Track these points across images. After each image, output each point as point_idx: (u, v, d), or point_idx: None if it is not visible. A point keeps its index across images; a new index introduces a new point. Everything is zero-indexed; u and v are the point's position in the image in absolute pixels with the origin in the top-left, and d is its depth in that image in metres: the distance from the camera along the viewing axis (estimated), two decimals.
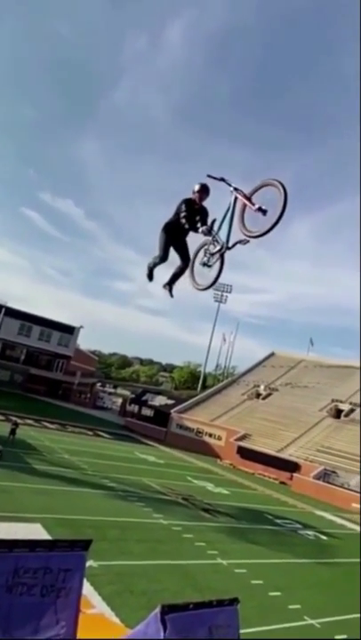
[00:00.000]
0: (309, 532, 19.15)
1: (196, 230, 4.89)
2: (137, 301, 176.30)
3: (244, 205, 4.32)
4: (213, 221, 4.79)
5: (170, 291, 5.29)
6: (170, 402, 47.89)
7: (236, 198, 4.46)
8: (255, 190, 4.27)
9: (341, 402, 40.13)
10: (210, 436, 39.82)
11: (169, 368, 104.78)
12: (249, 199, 4.26)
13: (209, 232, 4.78)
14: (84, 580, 2.96)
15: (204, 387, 60.81)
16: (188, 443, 39.68)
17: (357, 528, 22.96)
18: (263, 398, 45.16)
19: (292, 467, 32.50)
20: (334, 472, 30.83)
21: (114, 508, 15.02)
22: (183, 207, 4.89)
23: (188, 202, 4.93)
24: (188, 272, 5.20)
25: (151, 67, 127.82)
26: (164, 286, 5.24)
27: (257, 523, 18.69)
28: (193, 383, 72.89)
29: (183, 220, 4.86)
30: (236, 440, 37.37)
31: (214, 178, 4.55)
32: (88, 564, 3.23)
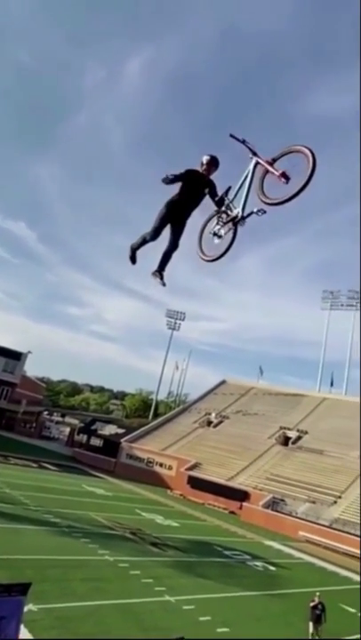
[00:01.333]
0: (258, 563, 19.08)
1: (196, 205, 4.60)
2: (89, 327, 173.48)
3: (265, 172, 4.02)
4: (228, 189, 4.48)
5: (161, 278, 4.82)
6: (120, 431, 46.81)
7: (256, 164, 4.16)
8: (279, 157, 3.98)
9: (289, 429, 41.05)
10: (160, 465, 39.16)
11: (120, 396, 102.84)
12: (271, 165, 3.97)
13: (222, 201, 4.49)
14: (22, 627, 2.81)
15: (156, 415, 60.14)
16: (139, 473, 38.74)
17: (304, 557, 23.17)
18: (214, 426, 45.28)
19: (241, 496, 32.51)
20: (283, 500, 31.16)
21: (57, 546, 14.26)
22: (188, 176, 4.49)
23: (194, 173, 4.56)
24: (198, 243, 4.83)
25: (110, 97, 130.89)
26: (154, 273, 4.80)
27: (206, 555, 18.40)
28: (145, 411, 71.90)
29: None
30: (187, 469, 36.99)
31: (236, 138, 4.22)
32: (27, 608, 3.08)
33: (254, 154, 4.17)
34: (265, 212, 4.13)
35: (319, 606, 12.84)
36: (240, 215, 4.28)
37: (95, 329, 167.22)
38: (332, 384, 50.11)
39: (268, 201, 3.99)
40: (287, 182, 3.79)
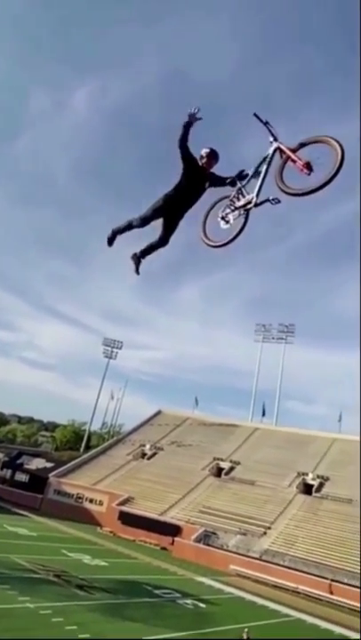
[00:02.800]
0: (188, 601, 18.65)
1: (194, 202, 4.36)
2: (20, 353, 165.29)
3: (286, 159, 3.80)
4: (241, 172, 4.23)
5: (137, 264, 4.59)
6: (49, 465, 44.39)
7: (275, 150, 3.93)
8: (302, 145, 3.75)
9: (223, 460, 41.36)
10: (91, 501, 37.47)
11: (51, 427, 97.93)
12: (294, 152, 3.75)
13: (235, 183, 4.23)
14: None
15: (88, 447, 57.92)
16: (67, 510, 36.73)
17: (234, 591, 23.01)
18: (148, 458, 44.47)
19: (173, 530, 31.86)
20: (214, 533, 30.98)
21: None
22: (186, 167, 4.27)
23: (195, 165, 4.31)
24: (202, 227, 4.55)
25: (55, 124, 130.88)
26: (133, 257, 4.57)
27: (135, 596, 17.68)
28: (76, 443, 68.93)
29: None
30: (118, 505, 35.71)
31: (259, 119, 3.95)
32: None
33: (275, 138, 3.93)
34: (279, 201, 3.88)
35: None
36: (255, 201, 4.01)
37: (27, 355, 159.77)
38: (263, 414, 51.52)
39: (287, 190, 3.73)
40: (309, 174, 3.59)
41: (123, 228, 4.61)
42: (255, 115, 3.95)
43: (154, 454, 44.89)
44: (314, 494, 34.77)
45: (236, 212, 4.21)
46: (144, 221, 4.47)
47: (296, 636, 17.22)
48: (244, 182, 4.20)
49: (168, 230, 4.54)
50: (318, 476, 36.45)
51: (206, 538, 30.64)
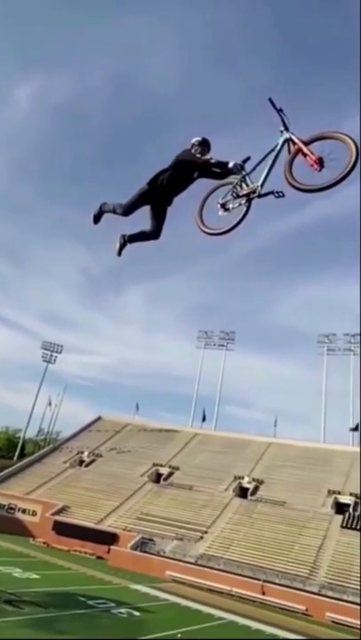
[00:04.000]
0: (123, 610, 18.38)
1: (182, 190, 4.18)
2: None
3: (298, 151, 3.67)
4: (247, 159, 4.04)
5: (121, 247, 4.37)
6: None
7: (286, 141, 3.79)
8: (314, 140, 3.62)
9: (162, 465, 41.40)
10: (23, 511, 35.84)
11: None
12: (306, 146, 3.62)
13: (240, 170, 4.02)
14: None
15: (23, 455, 55.45)
16: None
17: (170, 597, 23.03)
18: (86, 465, 43.46)
19: (109, 539, 31.32)
20: (151, 540, 30.85)
21: None
22: (183, 155, 4.16)
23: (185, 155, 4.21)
24: (197, 211, 4.35)
25: None
26: (121, 236, 4.39)
27: (68, 608, 17.13)
28: (9, 451, 65.74)
29: (199, 156, 4.10)
30: (53, 514, 34.50)
31: (273, 105, 3.77)
32: None
33: (286, 128, 3.79)
34: (284, 195, 3.75)
35: None
36: (259, 191, 3.87)
37: None
38: (204, 419, 52.26)
39: (296, 184, 3.59)
40: (320, 170, 3.47)
41: (108, 209, 4.41)
42: (270, 100, 3.74)
43: (92, 461, 43.97)
44: (249, 497, 35.78)
45: (237, 201, 4.04)
46: (128, 208, 4.28)
47: (227, 638, 17.53)
48: (248, 170, 4.02)
49: (157, 220, 4.38)
50: (254, 480, 37.58)
51: (143, 545, 30.43)
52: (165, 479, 39.72)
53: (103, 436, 49.49)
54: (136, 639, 14.63)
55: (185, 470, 40.28)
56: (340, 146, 3.39)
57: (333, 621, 22.99)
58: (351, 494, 33.67)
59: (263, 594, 25.32)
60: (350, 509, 32.26)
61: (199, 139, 4.34)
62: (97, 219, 4.52)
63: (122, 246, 4.42)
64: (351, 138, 3.33)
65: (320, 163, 3.47)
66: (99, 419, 54.69)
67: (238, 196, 4.04)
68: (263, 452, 42.42)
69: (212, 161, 4.08)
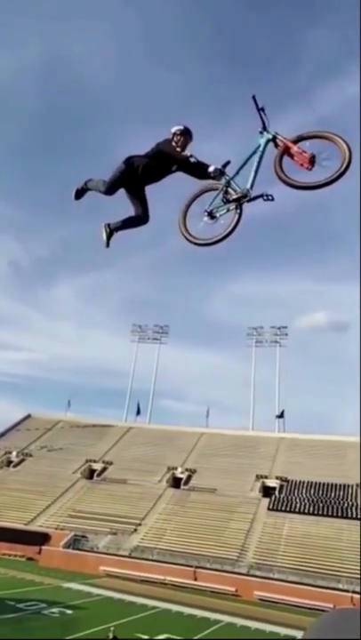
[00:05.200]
0: (54, 610, 18.09)
1: (155, 180, 3.95)
2: None
3: (285, 149, 3.55)
4: (227, 163, 3.84)
5: (108, 237, 4.08)
6: None
7: (269, 141, 3.69)
8: (300, 139, 3.52)
9: (95, 461, 40.91)
10: None
11: None
12: (294, 144, 3.51)
13: (219, 175, 3.80)
14: None
15: None
16: None
17: (104, 592, 22.99)
18: (15, 466, 41.70)
19: (40, 539, 30.44)
20: (84, 536, 30.49)
21: None
22: (161, 147, 3.89)
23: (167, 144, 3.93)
24: (180, 219, 4.02)
25: None
26: (106, 225, 4.11)
27: None
28: None
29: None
30: None
31: (255, 103, 3.62)
32: None
33: (265, 129, 3.69)
34: (273, 198, 3.62)
35: None
36: (250, 195, 3.68)
37: None
38: (138, 413, 52.27)
39: (290, 181, 3.47)
40: (311, 169, 3.38)
41: (93, 186, 4.10)
42: (253, 98, 3.60)
43: (21, 461, 42.30)
44: (182, 487, 36.57)
45: (225, 207, 3.79)
46: (109, 187, 3.99)
47: (161, 626, 17.93)
48: (231, 175, 3.82)
49: (139, 202, 4.10)
50: (187, 470, 38.45)
51: (76, 542, 29.99)
52: (99, 475, 39.34)
53: (33, 435, 47.76)
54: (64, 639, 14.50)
55: (119, 465, 40.17)
56: (330, 146, 3.33)
57: (261, 599, 24.33)
58: (277, 478, 35.69)
59: (195, 579, 26.13)
60: (276, 492, 34.20)
61: (181, 127, 4.05)
62: (79, 194, 4.17)
63: (109, 236, 4.12)
64: (342, 138, 3.29)
65: (312, 161, 3.36)
66: (28, 417, 52.64)
67: (228, 202, 3.78)
68: (196, 443, 43.47)
69: (192, 160, 3.84)
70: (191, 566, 26.83)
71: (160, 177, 4.02)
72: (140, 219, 4.14)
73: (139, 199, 4.10)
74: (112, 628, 13.52)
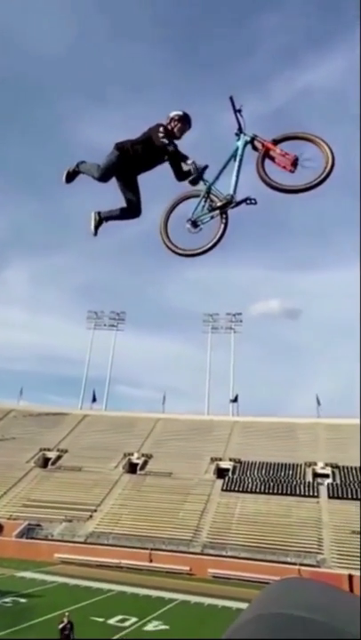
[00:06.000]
0: (7, 600, 17.86)
1: (147, 169, 3.71)
2: None
3: (266, 151, 3.45)
4: (205, 168, 3.67)
5: (97, 225, 3.88)
6: None
7: (247, 143, 3.58)
8: (281, 140, 3.44)
9: (49, 450, 40.31)
10: None
11: None
12: (274, 145, 3.41)
13: (196, 173, 3.64)
14: None
15: None
16: None
17: (58, 579, 22.92)
18: None
19: None
20: (39, 525, 30.14)
21: None
22: (157, 131, 3.65)
23: (163, 129, 3.69)
24: (161, 229, 3.80)
25: None
26: (95, 213, 3.91)
27: None
28: None
29: (163, 140, 3.58)
30: None
31: (233, 104, 3.50)
32: None
33: (241, 130, 3.58)
34: (256, 202, 3.50)
35: (68, 626, 13.00)
36: (235, 200, 3.54)
37: None
38: (94, 400, 51.86)
39: (274, 183, 3.36)
40: (293, 171, 3.30)
41: (87, 169, 3.86)
42: (230, 98, 3.50)
43: None
44: (138, 472, 36.89)
45: (209, 215, 3.64)
46: (102, 174, 3.75)
47: (116, 608, 18.18)
48: (212, 180, 3.68)
49: (131, 193, 3.88)
50: (143, 455, 38.77)
51: (30, 531, 29.61)
52: (53, 463, 38.84)
53: None
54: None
55: (74, 452, 39.81)
56: (312, 147, 3.30)
57: (214, 576, 25.19)
58: (231, 460, 36.77)
59: (151, 561, 26.60)
60: (230, 473, 35.28)
61: (179, 113, 3.80)
62: (70, 177, 3.93)
63: (97, 225, 3.94)
64: (324, 140, 3.26)
65: (295, 163, 3.30)
66: None
67: (213, 209, 3.63)
68: (152, 428, 43.82)
69: (170, 148, 3.63)
70: (147, 549, 27.27)
71: (151, 165, 3.79)
72: (132, 211, 3.93)
73: (131, 189, 3.88)
74: (67, 614, 13.56)
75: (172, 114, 3.80)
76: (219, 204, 3.59)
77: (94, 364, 61.97)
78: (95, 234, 3.95)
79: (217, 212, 3.61)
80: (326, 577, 22.09)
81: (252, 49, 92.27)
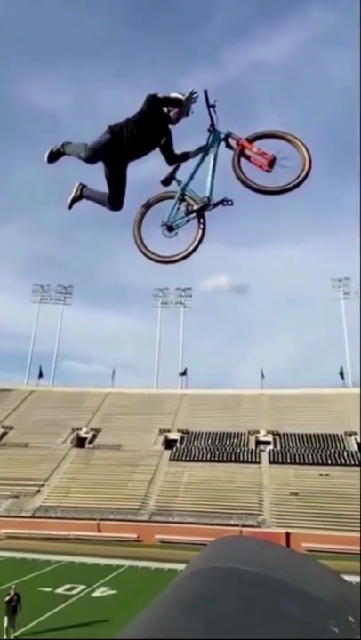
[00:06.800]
0: None
1: (142, 153, 3.41)
2: None
3: (242, 150, 3.31)
4: (177, 167, 3.51)
5: (74, 200, 3.66)
6: None
7: (221, 139, 3.41)
8: (256, 138, 3.32)
9: None
10: None
11: None
12: (250, 143, 3.28)
13: (170, 180, 3.49)
14: None
15: None
16: None
17: (4, 554, 22.80)
18: None
19: None
20: None
21: None
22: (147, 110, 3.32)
23: (157, 103, 3.36)
24: (135, 233, 3.59)
25: None
26: (79, 186, 3.68)
27: None
28: None
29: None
30: None
31: (207, 98, 3.33)
32: None
33: (213, 127, 3.41)
34: (232, 203, 3.38)
35: (15, 598, 13.04)
36: (212, 202, 3.37)
37: None
38: (40, 376, 50.72)
39: (252, 184, 3.23)
40: (270, 171, 3.19)
41: (72, 150, 3.52)
42: (205, 92, 3.32)
43: None
44: (87, 446, 36.96)
45: (184, 219, 3.47)
46: (91, 155, 3.41)
47: (64, 577, 18.44)
48: (185, 181, 3.51)
49: (115, 184, 3.55)
50: (92, 429, 38.79)
51: None
52: None
53: None
54: None
55: (20, 429, 39.03)
56: (287, 146, 3.24)
57: (162, 542, 26.16)
58: (179, 431, 37.74)
59: (99, 531, 27.10)
60: (178, 444, 36.28)
61: (185, 95, 3.41)
62: (53, 157, 3.60)
63: (76, 198, 3.70)
64: (301, 141, 3.18)
65: (271, 164, 3.20)
66: None
67: (190, 212, 3.46)
68: (101, 403, 43.78)
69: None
70: (95, 519, 27.68)
71: (145, 148, 3.47)
72: (112, 204, 3.61)
73: (116, 180, 3.55)
74: (13, 586, 13.57)
75: (174, 95, 3.43)
76: (195, 207, 3.44)
77: (41, 339, 60.34)
78: (70, 207, 3.74)
79: (193, 215, 3.46)
80: (266, 535, 23.63)
81: (205, 19, 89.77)
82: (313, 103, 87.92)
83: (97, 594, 16.75)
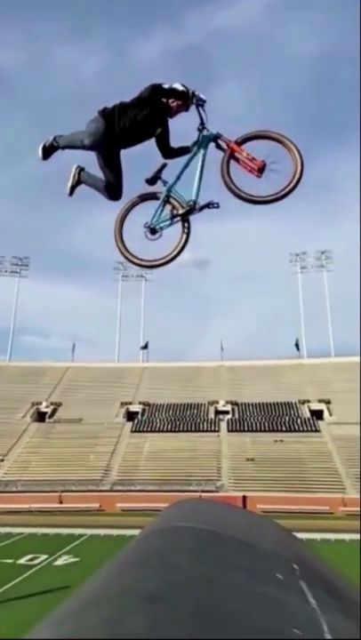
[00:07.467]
0: None
1: (137, 139, 3.24)
2: None
3: (232, 153, 3.20)
4: (163, 167, 3.38)
5: (74, 186, 3.46)
6: None
7: (211, 140, 3.31)
8: (247, 139, 3.21)
9: None
10: None
11: None
12: (239, 145, 3.18)
13: (155, 180, 3.36)
14: None
15: None
16: None
17: None
18: None
19: None
20: None
21: None
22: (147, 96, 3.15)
23: (160, 93, 3.19)
24: (116, 235, 3.41)
25: None
26: (77, 170, 3.44)
27: None
28: None
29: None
30: None
31: (195, 96, 3.26)
32: None
33: (203, 126, 3.28)
34: (218, 206, 3.28)
35: None
36: (198, 206, 3.26)
37: None
38: None
39: (241, 193, 3.16)
40: (260, 177, 3.11)
41: (65, 143, 3.31)
42: (193, 92, 3.26)
43: None
44: (47, 420, 36.73)
45: (168, 223, 3.35)
46: (92, 141, 3.22)
47: (26, 548, 18.60)
48: (171, 182, 3.40)
49: (112, 171, 3.35)
50: (52, 403, 38.47)
51: None
52: None
53: None
54: None
55: None
56: (279, 148, 3.16)
57: (123, 510, 26.78)
58: (140, 403, 38.17)
59: (61, 503, 27.33)
60: (139, 416, 36.76)
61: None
62: (47, 153, 3.38)
63: (75, 184, 3.51)
64: (294, 143, 3.09)
65: (261, 169, 3.13)
66: None
67: (175, 216, 3.34)
68: (61, 377, 43.31)
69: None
70: (57, 491, 27.85)
71: (140, 137, 3.31)
72: (110, 193, 3.44)
73: (111, 168, 3.38)
74: None
75: (176, 86, 3.25)
76: (181, 211, 3.33)
77: None
78: (70, 194, 3.52)
79: (178, 218, 3.36)
80: (223, 499, 24.66)
81: None
82: (275, 69, 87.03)
83: (59, 562, 17.03)
